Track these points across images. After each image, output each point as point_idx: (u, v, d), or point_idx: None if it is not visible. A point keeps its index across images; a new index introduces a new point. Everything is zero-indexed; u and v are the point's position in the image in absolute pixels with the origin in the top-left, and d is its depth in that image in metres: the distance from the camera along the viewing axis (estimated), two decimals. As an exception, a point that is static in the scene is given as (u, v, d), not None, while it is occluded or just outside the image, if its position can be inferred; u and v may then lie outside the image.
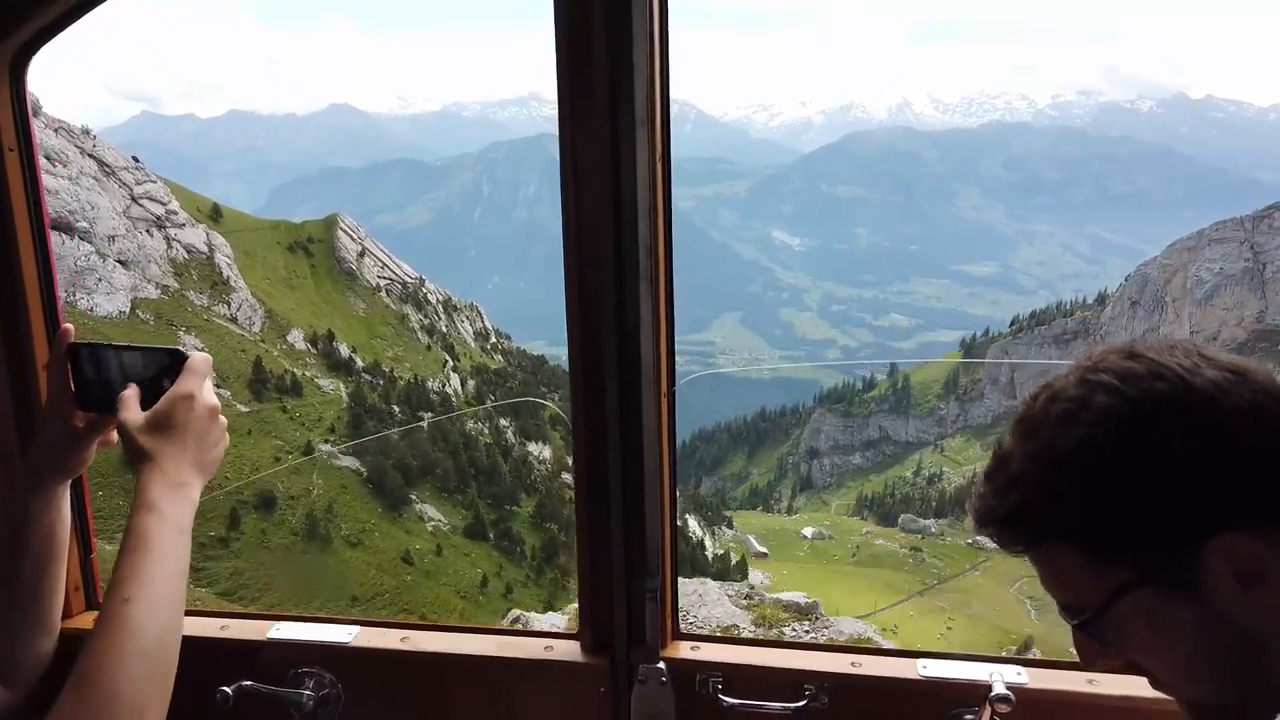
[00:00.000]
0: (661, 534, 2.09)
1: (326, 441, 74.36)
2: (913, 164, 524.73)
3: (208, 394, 1.54)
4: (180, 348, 1.57)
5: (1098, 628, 1.12)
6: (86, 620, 2.29)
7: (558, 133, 1.89)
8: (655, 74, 1.88)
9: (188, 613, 2.18)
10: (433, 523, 74.25)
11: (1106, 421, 1.04)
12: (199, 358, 1.55)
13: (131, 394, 1.52)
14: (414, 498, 74.67)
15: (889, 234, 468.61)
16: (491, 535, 75.52)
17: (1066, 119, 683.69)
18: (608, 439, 2.01)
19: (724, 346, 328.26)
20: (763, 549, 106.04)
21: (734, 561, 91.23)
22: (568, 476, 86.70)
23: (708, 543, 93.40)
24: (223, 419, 1.56)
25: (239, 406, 71.64)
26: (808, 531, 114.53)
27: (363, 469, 73.67)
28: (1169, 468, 1.02)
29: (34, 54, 2.08)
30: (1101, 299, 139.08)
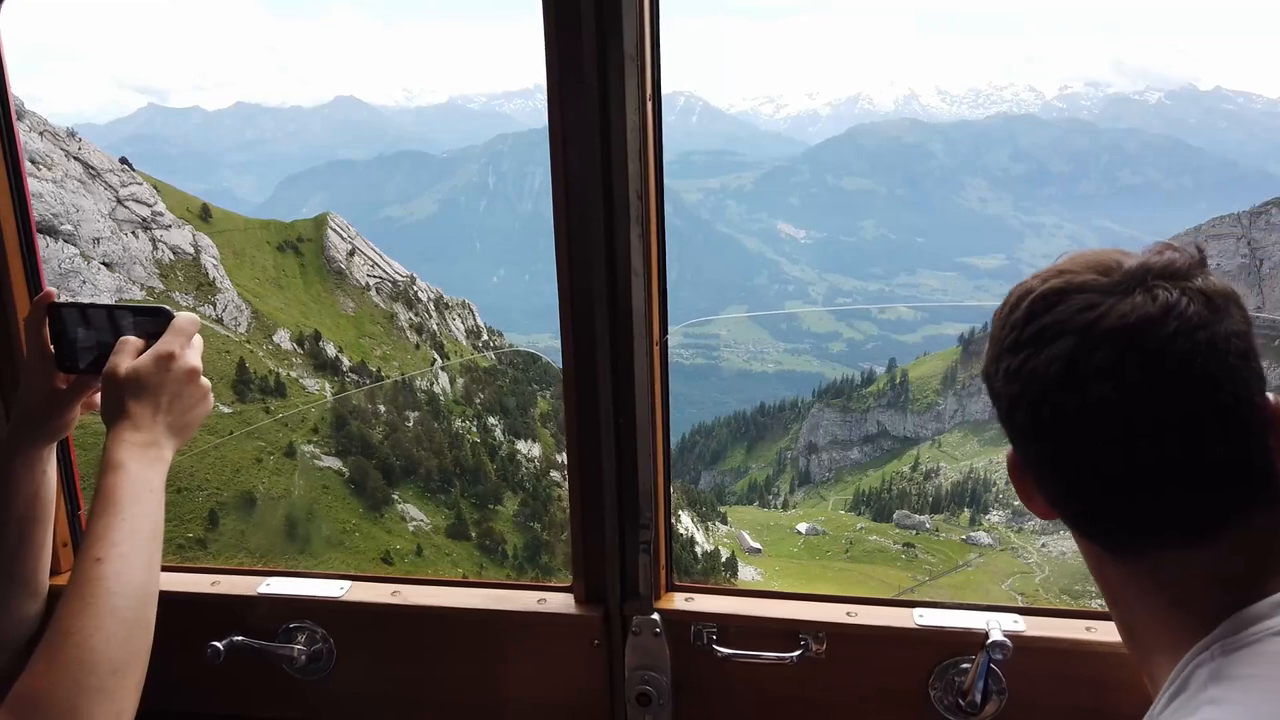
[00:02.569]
0: (655, 485, 2.09)
1: (309, 442, 74.31)
2: (920, 156, 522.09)
3: (190, 355, 1.50)
4: (167, 306, 1.53)
5: None
6: None
7: (545, 70, 1.84)
8: (645, 6, 1.80)
9: (178, 569, 2.30)
10: (414, 523, 74.21)
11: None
12: (185, 317, 1.53)
13: (132, 341, 1.48)
14: (396, 498, 74.64)
15: (895, 226, 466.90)
16: (473, 535, 75.43)
17: (1074, 110, 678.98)
18: (599, 389, 2.00)
19: (729, 339, 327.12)
20: (756, 545, 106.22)
21: (724, 559, 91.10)
22: (556, 475, 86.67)
23: (699, 538, 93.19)
24: (205, 382, 1.53)
25: (221, 408, 71.67)
26: (802, 527, 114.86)
27: (345, 469, 73.68)
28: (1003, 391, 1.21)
29: (3, 2, 2.05)
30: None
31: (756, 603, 2.14)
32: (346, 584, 2.25)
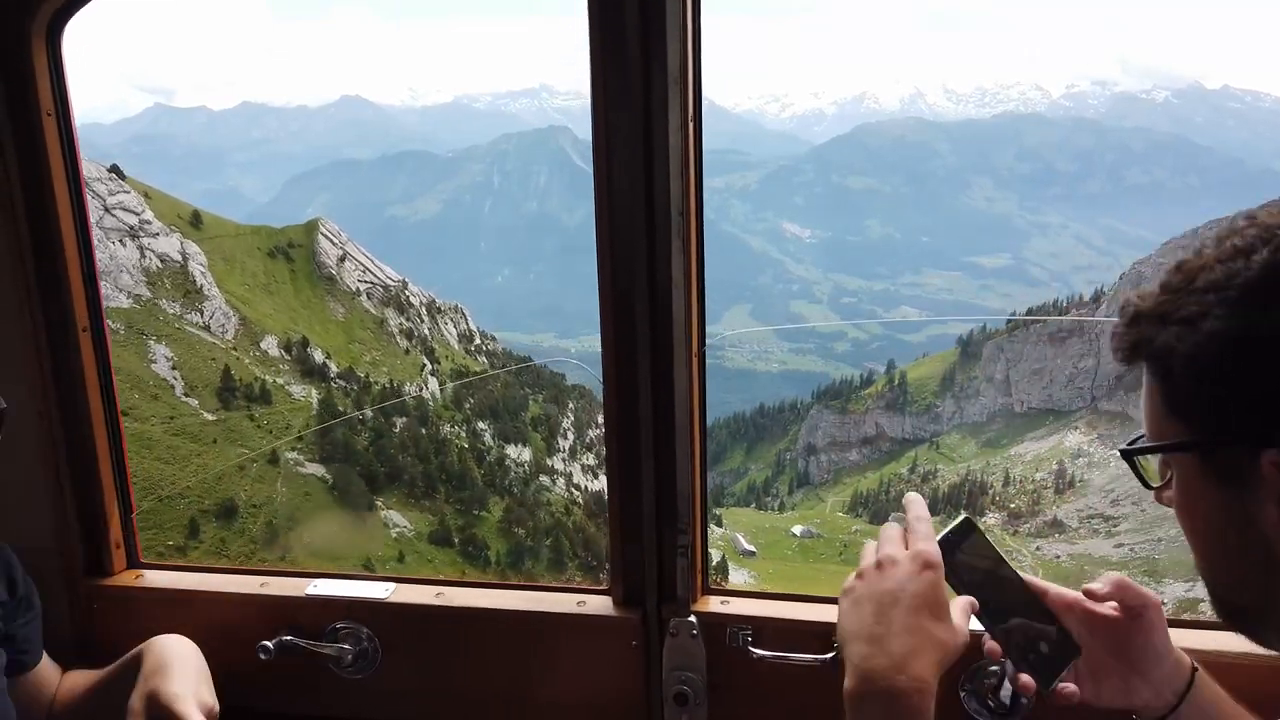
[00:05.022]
0: (692, 490, 2.16)
1: (294, 449, 74.19)
2: (925, 155, 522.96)
3: None
4: None
5: (1134, 462, 1.18)
6: (129, 578, 2.40)
7: (590, 91, 1.92)
8: (687, 30, 1.89)
9: (229, 570, 2.39)
10: (397, 529, 74.09)
11: (1249, 296, 1.01)
12: None
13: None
14: (380, 504, 74.49)
15: (900, 225, 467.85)
16: (457, 541, 75.20)
17: (1081, 109, 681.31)
18: (639, 397, 2.08)
19: (734, 338, 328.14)
20: (751, 547, 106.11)
21: (715, 561, 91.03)
22: (545, 479, 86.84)
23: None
24: None
25: (205, 415, 71.70)
26: (797, 530, 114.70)
27: (328, 476, 73.53)
28: (1264, 360, 0.99)
29: (69, 19, 2.15)
30: (1096, 297, 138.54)
31: (790, 606, 2.21)
32: (392, 586, 2.33)
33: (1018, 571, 1.48)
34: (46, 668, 2.05)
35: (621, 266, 2.02)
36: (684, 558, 2.16)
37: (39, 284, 2.23)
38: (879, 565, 1.34)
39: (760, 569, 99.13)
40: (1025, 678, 1.39)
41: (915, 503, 1.44)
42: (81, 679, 2.07)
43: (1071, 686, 1.38)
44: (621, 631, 2.20)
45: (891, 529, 1.41)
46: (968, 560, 1.45)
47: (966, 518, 1.45)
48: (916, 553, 1.33)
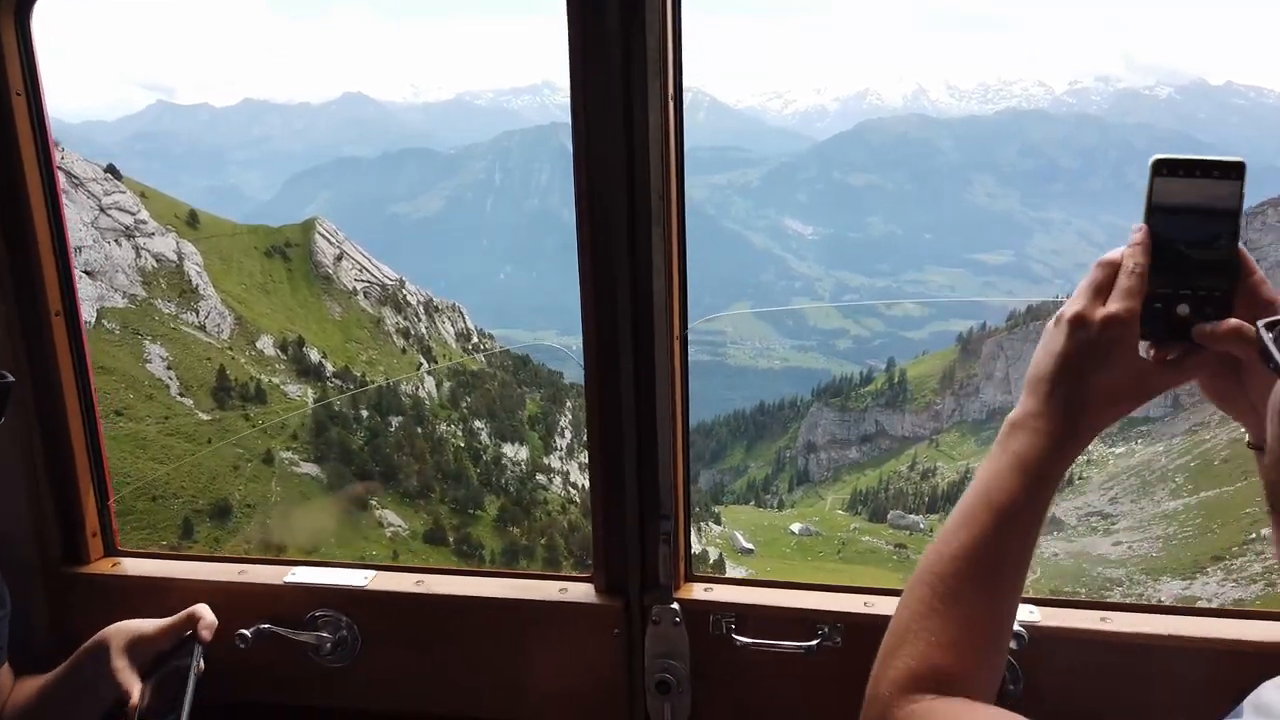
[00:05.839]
0: (675, 477, 2.16)
1: (288, 449, 74.13)
2: (928, 152, 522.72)
3: None
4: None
5: (1264, 340, 1.11)
6: (105, 566, 2.39)
7: (568, 73, 1.89)
8: (667, 9, 1.87)
9: (206, 558, 2.39)
10: (392, 528, 73.96)
11: None
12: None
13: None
14: (374, 504, 74.44)
15: (903, 222, 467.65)
16: (451, 540, 75.03)
17: (1084, 106, 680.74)
18: (621, 382, 2.07)
19: (735, 336, 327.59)
20: (749, 545, 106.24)
21: (712, 560, 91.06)
22: (542, 478, 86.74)
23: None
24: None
25: (200, 414, 71.72)
26: (795, 527, 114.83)
27: (323, 475, 73.46)
28: None
29: None
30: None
31: (774, 593, 2.21)
32: (371, 573, 2.32)
33: (1241, 245, 1.26)
34: (4, 673, 2.05)
35: (602, 251, 2.01)
36: (667, 545, 2.15)
37: (10, 266, 2.20)
38: (1070, 322, 1.23)
39: (758, 567, 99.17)
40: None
41: (1134, 244, 1.30)
42: (31, 685, 2.07)
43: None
44: (604, 619, 2.20)
45: (1099, 275, 1.27)
46: (1191, 194, 1.26)
47: (1241, 162, 1.23)
48: (1107, 317, 1.21)
